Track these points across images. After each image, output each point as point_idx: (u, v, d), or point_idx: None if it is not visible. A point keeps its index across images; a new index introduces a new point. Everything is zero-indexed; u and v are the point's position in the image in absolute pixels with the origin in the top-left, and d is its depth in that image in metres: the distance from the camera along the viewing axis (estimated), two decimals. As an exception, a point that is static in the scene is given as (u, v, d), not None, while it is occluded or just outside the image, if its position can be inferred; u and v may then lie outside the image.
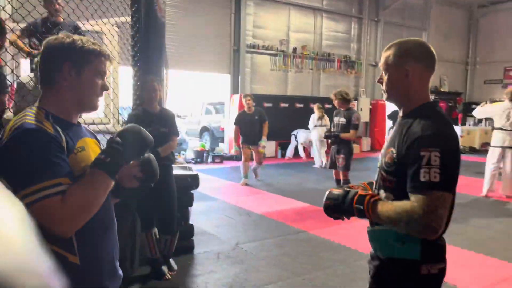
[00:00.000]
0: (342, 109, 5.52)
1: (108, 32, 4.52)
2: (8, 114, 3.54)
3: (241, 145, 7.33)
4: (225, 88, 11.57)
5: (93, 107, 1.39)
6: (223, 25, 11.00)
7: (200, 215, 5.19)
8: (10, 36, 4.20)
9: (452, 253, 4.37)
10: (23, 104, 3.41)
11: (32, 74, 3.72)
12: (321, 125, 9.45)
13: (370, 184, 1.67)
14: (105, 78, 1.39)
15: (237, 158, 10.76)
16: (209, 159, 10.38)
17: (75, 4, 3.16)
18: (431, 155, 1.29)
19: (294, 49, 12.19)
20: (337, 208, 1.48)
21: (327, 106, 11.46)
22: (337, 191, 1.49)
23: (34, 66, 3.77)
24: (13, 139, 1.17)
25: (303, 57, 12.33)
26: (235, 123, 7.31)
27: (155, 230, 3.43)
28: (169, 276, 3.45)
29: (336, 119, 5.59)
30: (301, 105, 11.92)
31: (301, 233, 4.75)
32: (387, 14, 13.95)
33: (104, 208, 1.30)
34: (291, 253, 4.12)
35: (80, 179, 1.22)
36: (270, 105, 11.09)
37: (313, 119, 9.72)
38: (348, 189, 1.49)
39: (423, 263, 1.41)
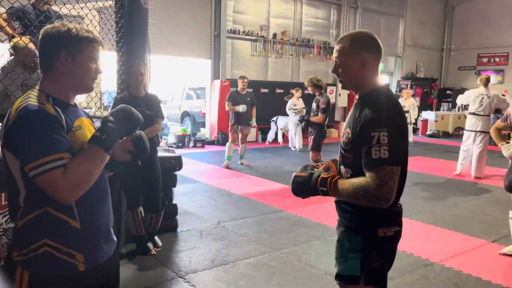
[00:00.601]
0: (316, 94, 5.81)
1: (86, 16, 4.59)
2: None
3: (232, 126, 7.52)
4: (206, 74, 11.64)
5: (89, 89, 1.54)
6: (203, 10, 11.02)
7: (182, 196, 5.38)
8: None
9: (420, 229, 4.71)
10: (1, 87, 3.48)
11: (11, 58, 3.77)
12: (295, 109, 9.73)
13: (334, 161, 1.88)
14: (98, 62, 1.54)
15: (218, 142, 10.94)
16: (191, 144, 10.51)
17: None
18: (380, 135, 1.50)
19: (274, 35, 12.31)
20: (304, 191, 1.69)
21: (306, 92, 11.72)
22: (301, 176, 1.68)
23: (11, 50, 3.82)
24: (19, 119, 1.31)
25: (283, 42, 12.48)
26: (228, 100, 7.46)
27: (141, 209, 3.60)
28: (155, 252, 3.64)
29: (313, 105, 5.89)
30: (281, 91, 12.10)
31: (279, 212, 5.00)
32: (366, 1, 14.17)
33: (99, 180, 1.46)
34: (270, 230, 4.35)
35: (78, 154, 1.37)
36: (250, 90, 11.20)
37: (291, 103, 9.96)
38: (311, 171, 1.67)
39: (379, 227, 1.63)
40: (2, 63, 3.71)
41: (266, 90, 11.95)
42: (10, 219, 1.48)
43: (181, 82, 14.39)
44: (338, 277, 1.74)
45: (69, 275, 1.40)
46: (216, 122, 11.10)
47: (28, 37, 4.14)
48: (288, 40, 12.56)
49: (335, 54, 1.71)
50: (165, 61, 11.92)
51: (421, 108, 14.50)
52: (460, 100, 7.84)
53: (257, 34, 12.00)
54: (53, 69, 1.44)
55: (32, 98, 1.38)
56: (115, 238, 1.63)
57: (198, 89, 13.25)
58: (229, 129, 7.71)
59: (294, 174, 1.72)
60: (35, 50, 3.55)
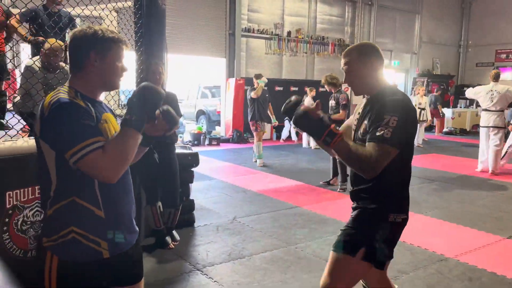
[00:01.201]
0: (332, 91, 5.89)
1: (107, 17, 4.73)
2: (17, 98, 3.77)
3: (256, 123, 7.49)
4: (220, 72, 11.75)
5: (116, 87, 1.63)
6: (218, 9, 11.12)
7: (199, 193, 5.48)
8: (10, 20, 4.41)
9: (435, 225, 4.72)
10: (27, 86, 3.64)
11: (36, 58, 3.93)
12: None
13: None
14: (123, 61, 1.63)
15: (232, 140, 11.03)
16: (206, 142, 10.64)
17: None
18: (390, 119, 1.69)
19: (289, 33, 12.34)
20: (305, 127, 1.73)
21: (321, 89, 11.72)
22: (314, 113, 1.69)
23: (36, 50, 3.97)
24: (53, 111, 1.41)
25: (298, 40, 12.50)
26: (250, 91, 7.60)
27: (160, 203, 3.71)
28: (173, 246, 3.74)
29: (330, 102, 5.96)
30: (296, 88, 12.14)
31: (294, 208, 5.06)
32: (381, -2, 14.10)
33: (124, 174, 1.56)
34: (285, 225, 4.42)
35: (113, 136, 1.48)
36: (265, 88, 11.28)
37: (306, 102, 10.00)
38: (323, 115, 1.70)
39: (391, 212, 1.82)
40: (26, 62, 3.85)
41: (281, 88, 11.99)
42: (41, 208, 1.58)
43: (196, 80, 14.54)
44: (336, 244, 1.88)
45: (95, 261, 1.50)
46: (231, 120, 11.20)
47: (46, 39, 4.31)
48: (302, 38, 12.58)
49: (345, 66, 1.88)
50: (180, 60, 12.06)
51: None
52: (469, 93, 7.61)
53: (272, 32, 12.06)
54: (82, 69, 1.54)
55: (62, 93, 1.48)
56: (137, 228, 1.72)
57: (213, 87, 13.37)
58: (252, 127, 7.59)
59: (307, 109, 1.71)
60: (59, 50, 3.68)
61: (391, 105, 1.73)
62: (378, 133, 1.68)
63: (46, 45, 3.56)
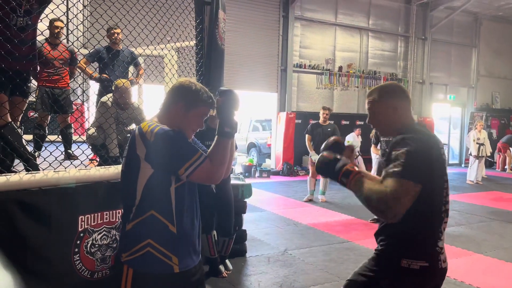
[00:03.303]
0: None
1: (166, 56, 5.12)
2: (91, 130, 4.14)
3: (310, 159, 7.42)
4: (272, 106, 12.03)
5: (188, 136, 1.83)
6: (271, 47, 11.53)
7: (250, 224, 5.58)
8: (80, 61, 4.91)
9: (495, 265, 4.49)
10: (101, 120, 4.00)
11: (110, 95, 4.32)
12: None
13: None
14: (203, 119, 1.82)
15: (283, 173, 11.12)
16: (257, 174, 10.81)
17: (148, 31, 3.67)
18: (398, 153, 1.57)
19: (340, 68, 12.48)
20: (326, 173, 1.77)
21: (359, 122, 11.72)
22: (328, 158, 1.74)
23: (112, 88, 4.37)
24: (161, 136, 1.63)
25: (349, 75, 12.59)
26: (306, 133, 7.42)
27: (215, 232, 3.85)
28: (226, 275, 3.84)
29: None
30: (347, 122, 12.14)
31: (346, 242, 5.01)
32: (435, 32, 13.94)
33: (192, 199, 1.75)
34: (336, 259, 4.40)
35: (214, 147, 1.70)
36: (315, 121, 11.39)
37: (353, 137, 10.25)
38: (337, 157, 1.72)
39: (403, 257, 1.64)
40: (102, 99, 4.24)
41: (332, 122, 12.02)
42: (121, 224, 1.78)
43: (248, 114, 14.94)
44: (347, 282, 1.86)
45: (166, 275, 1.66)
46: (281, 153, 11.35)
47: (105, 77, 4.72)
48: (354, 72, 12.66)
49: (367, 106, 1.85)
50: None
51: (498, 140, 13.71)
52: None
53: (323, 67, 12.25)
54: (169, 111, 1.77)
55: (157, 124, 1.70)
56: (199, 250, 1.86)
57: (264, 121, 13.66)
58: (309, 162, 7.54)
59: (322, 153, 1.79)
60: (130, 89, 4.04)
61: (401, 139, 1.62)
62: (389, 170, 1.56)
63: (119, 85, 3.92)
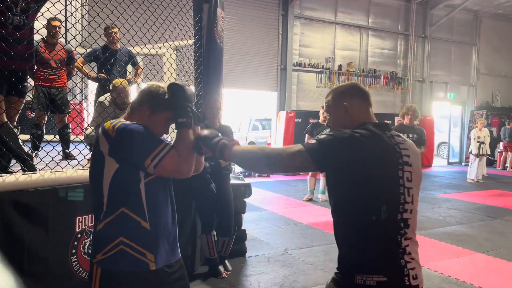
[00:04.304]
0: (411, 125, 5.60)
1: (164, 55, 5.09)
2: (89, 130, 4.11)
3: None
4: (271, 105, 12.00)
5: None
6: (271, 46, 11.49)
7: (250, 223, 5.55)
8: (76, 60, 4.88)
9: (496, 265, 4.45)
10: (99, 119, 3.98)
11: (107, 95, 4.28)
12: None
13: None
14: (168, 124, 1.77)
15: (283, 172, 11.08)
16: (257, 173, 10.77)
17: (145, 29, 3.63)
18: (326, 136, 1.50)
19: (340, 66, 12.44)
20: (205, 140, 1.69)
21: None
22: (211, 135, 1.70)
23: (109, 87, 4.34)
24: (123, 131, 1.61)
25: (349, 74, 12.56)
26: (306, 132, 7.28)
27: (214, 232, 3.82)
28: (225, 275, 3.81)
29: (404, 135, 5.56)
30: (347, 121, 12.10)
31: (346, 242, 4.97)
32: (435, 30, 13.90)
33: (166, 191, 1.73)
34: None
35: (176, 140, 1.66)
36: (315, 121, 11.36)
37: None
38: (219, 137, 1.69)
39: (357, 273, 1.48)
40: (99, 98, 4.21)
41: (332, 121, 12.01)
42: (93, 224, 1.73)
43: (248, 113, 14.91)
44: None
45: (141, 272, 1.61)
46: (282, 152, 11.31)
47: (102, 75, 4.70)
48: (353, 71, 12.63)
49: (324, 109, 1.76)
50: (233, 94, 12.47)
51: (499, 139, 13.68)
52: None
53: (323, 66, 12.21)
54: (135, 112, 1.75)
55: (120, 121, 1.69)
56: (178, 247, 1.79)
57: (263, 120, 13.64)
58: None
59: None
60: (127, 89, 4.01)
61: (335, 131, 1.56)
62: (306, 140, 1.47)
63: (116, 84, 3.89)
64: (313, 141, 1.49)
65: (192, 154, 1.67)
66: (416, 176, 1.56)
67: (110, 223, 1.62)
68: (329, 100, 1.71)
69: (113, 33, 4.77)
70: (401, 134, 1.69)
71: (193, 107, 1.73)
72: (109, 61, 4.73)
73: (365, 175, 1.47)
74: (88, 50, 4.95)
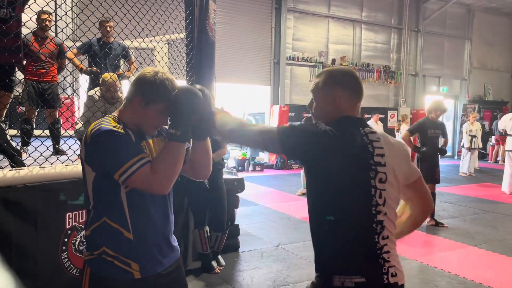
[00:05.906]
0: (436, 121, 5.50)
1: (154, 48, 5.02)
2: (79, 125, 4.05)
3: None
4: (265, 99, 11.96)
5: (149, 134, 1.64)
6: (264, 39, 11.43)
7: (243, 218, 5.53)
8: (68, 53, 4.80)
9: (488, 258, 4.48)
10: (88, 114, 3.91)
11: (97, 89, 4.22)
12: None
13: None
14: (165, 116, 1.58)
15: (276, 166, 11.08)
16: (250, 168, 10.75)
17: (136, 22, 3.55)
18: (301, 125, 1.47)
19: (333, 60, 12.42)
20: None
21: (366, 116, 11.63)
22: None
23: (99, 81, 4.27)
24: (96, 138, 1.47)
25: (342, 68, 12.52)
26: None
27: (207, 227, 3.79)
28: (218, 270, 3.79)
29: (431, 131, 5.39)
30: (340, 115, 12.10)
31: (340, 236, 4.97)
32: (428, 24, 13.91)
33: (159, 197, 1.58)
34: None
35: (161, 151, 1.50)
36: (309, 115, 11.36)
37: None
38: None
39: (334, 274, 1.42)
40: (89, 92, 4.14)
41: (325, 115, 12.00)
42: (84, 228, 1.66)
43: (241, 107, 14.85)
44: None
45: (126, 281, 1.52)
46: (275, 146, 11.28)
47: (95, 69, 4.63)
48: (347, 65, 12.61)
49: (311, 88, 1.63)
50: (226, 88, 12.40)
51: (490, 132, 13.77)
52: (500, 125, 8.30)
53: (316, 60, 12.18)
54: (128, 104, 1.60)
55: (104, 122, 1.54)
56: (175, 246, 1.69)
57: (257, 114, 13.59)
58: None
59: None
60: (117, 83, 3.95)
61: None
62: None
63: (105, 78, 3.83)
64: (287, 125, 1.46)
65: (172, 172, 1.48)
66: (392, 177, 1.46)
67: (95, 231, 1.54)
68: (319, 82, 1.57)
69: (108, 27, 4.69)
70: (386, 133, 1.58)
71: (202, 119, 1.52)
72: (101, 54, 4.66)
73: (330, 174, 1.41)
74: (81, 42, 4.86)
